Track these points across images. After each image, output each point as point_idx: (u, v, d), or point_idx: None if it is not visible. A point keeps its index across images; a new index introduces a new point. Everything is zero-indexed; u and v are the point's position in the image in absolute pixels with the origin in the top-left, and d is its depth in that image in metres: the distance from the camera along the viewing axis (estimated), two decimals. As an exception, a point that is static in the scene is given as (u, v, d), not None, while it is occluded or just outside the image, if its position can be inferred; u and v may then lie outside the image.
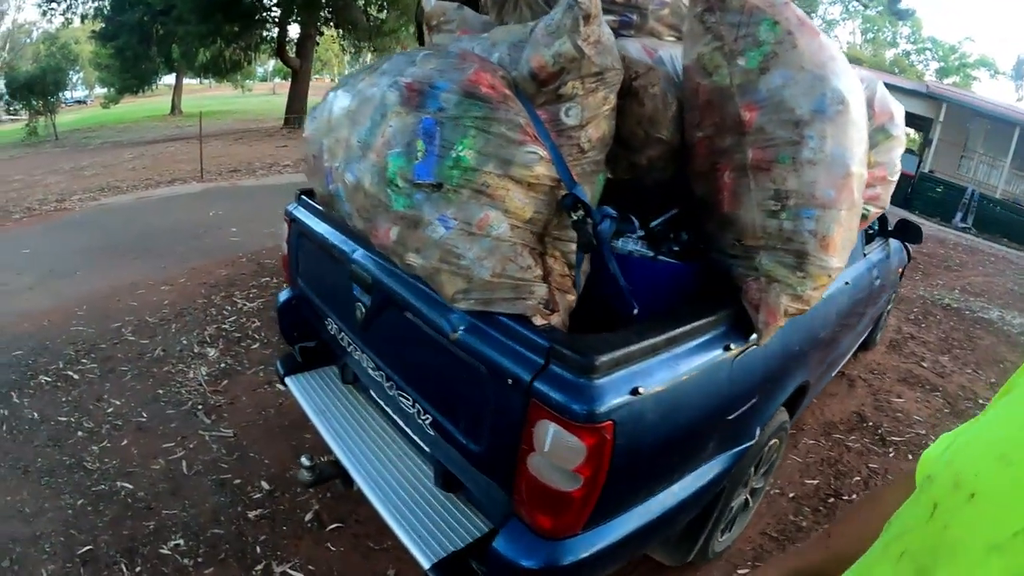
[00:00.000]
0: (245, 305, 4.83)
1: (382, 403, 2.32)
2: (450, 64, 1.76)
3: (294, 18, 17.11)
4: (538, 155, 1.63)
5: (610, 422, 1.41)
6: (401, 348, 2.03)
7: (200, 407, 3.44)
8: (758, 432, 2.14)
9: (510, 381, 1.52)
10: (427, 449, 2.05)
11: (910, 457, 3.52)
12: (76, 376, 3.67)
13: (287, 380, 2.73)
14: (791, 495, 3.07)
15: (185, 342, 4.16)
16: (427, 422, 1.89)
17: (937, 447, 0.66)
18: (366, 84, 1.92)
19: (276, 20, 17.58)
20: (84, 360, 3.85)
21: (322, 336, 2.65)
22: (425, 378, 1.92)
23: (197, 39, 16.18)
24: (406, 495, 2.04)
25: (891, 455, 3.55)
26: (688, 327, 1.68)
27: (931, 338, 5.58)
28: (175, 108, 29.59)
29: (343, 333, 2.36)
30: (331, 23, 17.02)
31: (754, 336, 1.84)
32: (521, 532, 1.61)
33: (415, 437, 2.14)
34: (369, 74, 1.98)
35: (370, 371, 2.22)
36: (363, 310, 2.11)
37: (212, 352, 4.06)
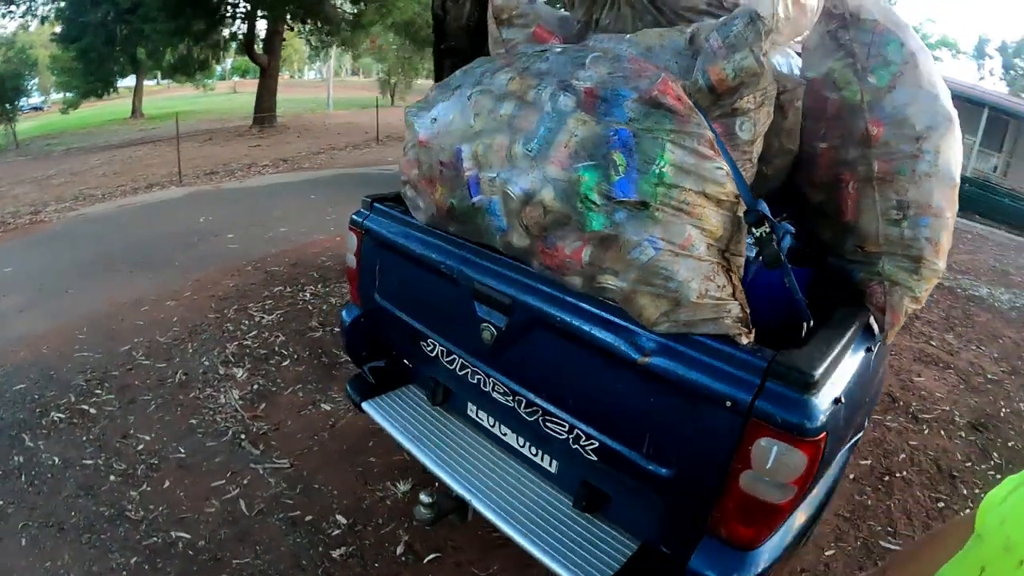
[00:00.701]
0: (263, 318, 4.48)
1: (496, 426, 2.24)
2: (629, 70, 1.70)
3: (263, 14, 16.44)
4: (724, 170, 1.59)
5: (825, 433, 1.44)
6: (552, 372, 1.89)
7: (243, 436, 3.11)
8: (867, 422, 2.26)
9: (728, 403, 1.48)
10: (573, 472, 2.01)
11: (942, 433, 3.68)
12: (93, 410, 3.30)
13: (365, 405, 2.51)
14: (851, 476, 3.14)
15: (207, 363, 3.81)
16: (589, 447, 1.82)
17: (1000, 491, 0.63)
18: (518, 86, 1.81)
19: (245, 16, 16.89)
20: (98, 391, 3.48)
21: (407, 356, 2.50)
22: (589, 403, 1.82)
23: (165, 38, 15.43)
24: (541, 521, 1.97)
25: (926, 432, 3.69)
26: (854, 332, 1.73)
27: (934, 317, 5.69)
28: (136, 111, 28.45)
29: (454, 355, 2.18)
30: (301, 18, 16.36)
31: (879, 335, 1.92)
32: (719, 549, 1.62)
33: (546, 462, 2.10)
34: (512, 74, 1.87)
35: (495, 395, 2.05)
36: (494, 332, 1.95)
37: (240, 373, 3.71)
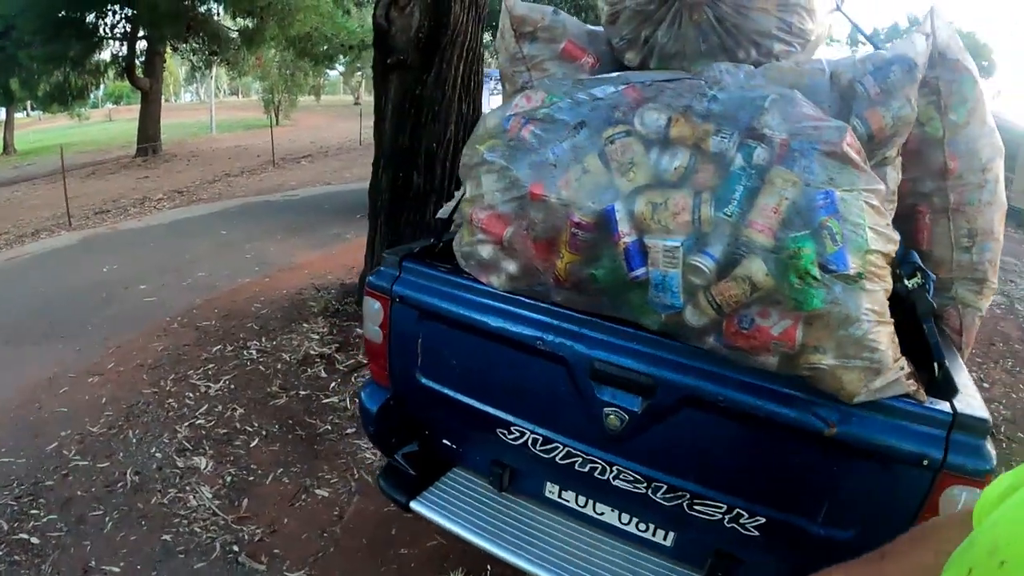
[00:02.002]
0: (210, 388, 3.88)
1: (588, 505, 2.01)
2: (807, 117, 1.54)
3: (144, 33, 15.04)
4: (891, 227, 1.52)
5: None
6: (706, 454, 1.76)
7: (235, 547, 2.61)
8: None
9: (925, 462, 1.48)
10: (698, 543, 1.87)
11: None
12: (35, 539, 2.64)
13: (415, 506, 2.11)
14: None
15: (159, 455, 3.21)
16: (751, 524, 1.71)
17: (994, 488, 0.65)
18: (689, 131, 1.58)
19: (124, 37, 15.40)
20: (34, 510, 2.81)
21: (454, 439, 2.22)
22: (754, 480, 1.72)
23: (41, 64, 13.76)
24: None
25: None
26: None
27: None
28: (8, 147, 25.49)
29: (555, 444, 1.88)
30: (186, 38, 15.06)
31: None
32: None
33: (659, 536, 1.93)
34: (668, 113, 1.64)
35: (617, 483, 1.82)
36: (624, 417, 1.71)
37: (203, 463, 3.15)
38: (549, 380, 1.81)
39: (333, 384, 3.97)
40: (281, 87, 24.82)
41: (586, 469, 1.84)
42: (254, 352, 4.38)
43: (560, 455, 1.87)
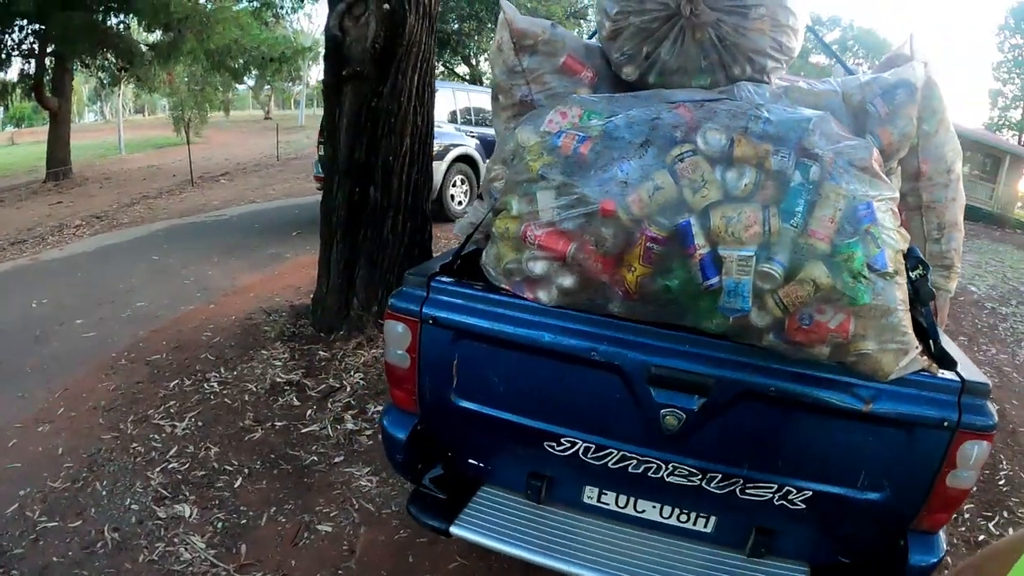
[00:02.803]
0: (176, 428, 3.68)
1: (630, 504, 2.12)
2: (839, 136, 1.78)
3: (53, 49, 13.99)
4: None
5: None
6: (759, 441, 1.92)
7: (245, 598, 2.42)
8: None
9: (945, 423, 1.72)
10: (739, 524, 2.05)
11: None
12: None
13: (455, 530, 2.11)
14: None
15: (136, 507, 3.00)
16: (799, 499, 1.89)
17: None
18: (751, 151, 1.72)
19: (30, 54, 14.30)
20: (6, 585, 2.56)
21: (486, 458, 2.25)
22: (803, 459, 1.91)
23: None
24: None
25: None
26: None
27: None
28: None
29: (608, 450, 1.96)
30: (97, 53, 14.12)
31: None
32: (924, 540, 1.89)
33: (700, 524, 2.09)
34: (728, 134, 1.77)
35: (671, 479, 1.94)
36: (681, 416, 1.83)
37: (187, 511, 2.98)
38: (602, 388, 1.89)
39: (309, 412, 3.84)
40: (191, 103, 23.89)
41: (640, 470, 1.94)
42: (216, 384, 4.17)
43: (613, 460, 1.95)
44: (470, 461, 2.25)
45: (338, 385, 4.14)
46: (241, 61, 14.97)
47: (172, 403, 3.93)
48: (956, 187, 2.35)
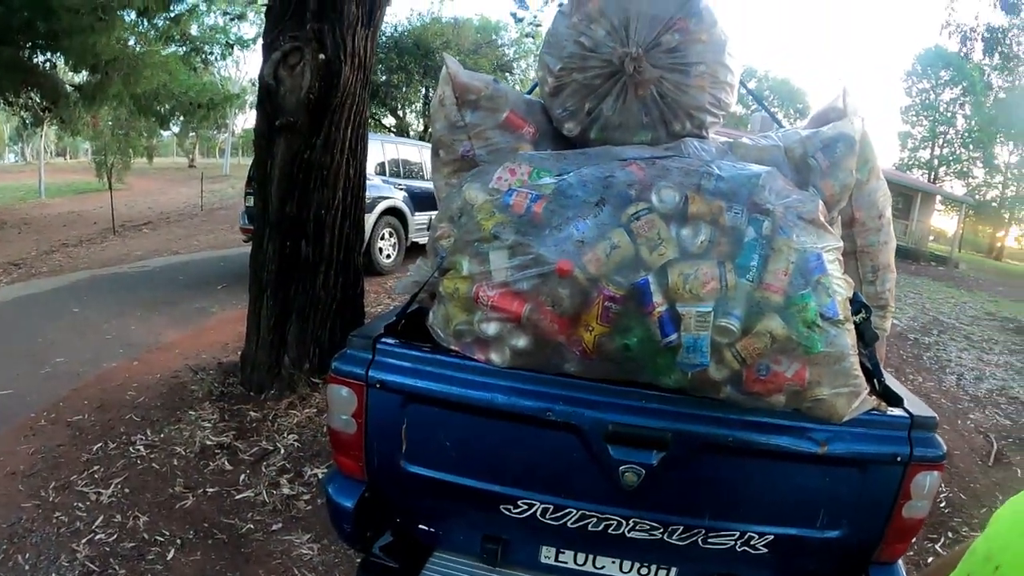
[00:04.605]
0: (101, 495, 3.44)
1: (588, 561, 2.07)
2: (786, 190, 1.86)
3: None
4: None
5: None
6: (717, 491, 1.93)
7: None
8: None
9: (898, 459, 1.80)
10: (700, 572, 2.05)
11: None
12: None
13: None
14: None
15: (59, 583, 2.75)
16: (761, 544, 1.91)
17: (1004, 508, 0.73)
18: (705, 208, 1.77)
19: None
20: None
21: (439, 523, 2.16)
22: (761, 505, 1.93)
23: None
24: None
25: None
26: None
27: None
28: None
29: (567, 510, 1.92)
30: (21, 92, 13.39)
31: None
32: (884, 571, 1.94)
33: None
34: (681, 192, 1.80)
35: (632, 535, 1.91)
36: (640, 472, 1.81)
37: (116, 586, 2.74)
38: (559, 448, 1.87)
39: (243, 477, 3.65)
40: (114, 148, 23.16)
41: (600, 528, 1.91)
42: (142, 448, 3.93)
43: (572, 519, 1.91)
44: (421, 527, 2.16)
45: (271, 447, 3.97)
46: (167, 106, 14.61)
47: (96, 468, 3.68)
48: (887, 231, 2.47)
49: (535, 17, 9.62)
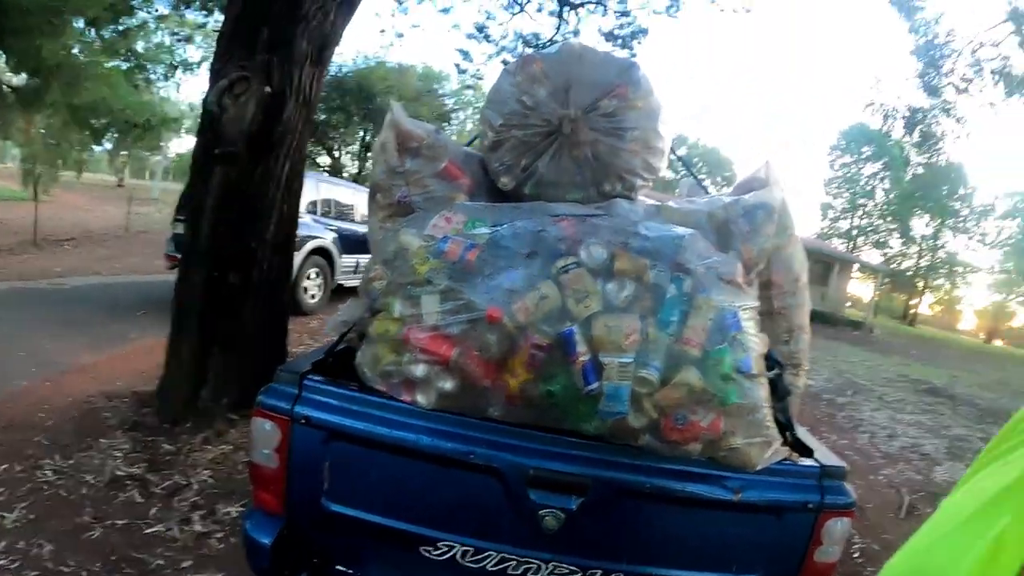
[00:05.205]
0: (4, 519, 3.18)
1: None
2: (707, 251, 1.98)
3: None
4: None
5: None
6: (635, 536, 1.98)
7: None
8: None
9: (810, 505, 1.89)
10: None
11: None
12: None
13: None
14: None
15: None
16: None
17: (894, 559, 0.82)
18: (631, 265, 1.87)
19: None
20: None
21: (355, 564, 2.11)
22: (677, 550, 1.99)
23: None
24: None
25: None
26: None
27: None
28: None
29: (487, 552, 1.93)
30: None
31: None
32: None
33: None
34: (608, 249, 1.91)
35: None
36: (560, 516, 1.85)
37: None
38: (481, 491, 1.89)
39: (154, 511, 3.48)
40: (44, 157, 22.24)
41: (520, 571, 1.92)
42: (50, 473, 3.72)
43: (492, 562, 1.92)
44: (339, 567, 2.12)
45: (185, 482, 3.79)
46: (104, 121, 14.18)
47: (0, 491, 3.48)
48: (803, 294, 2.60)
49: (478, 70, 9.87)
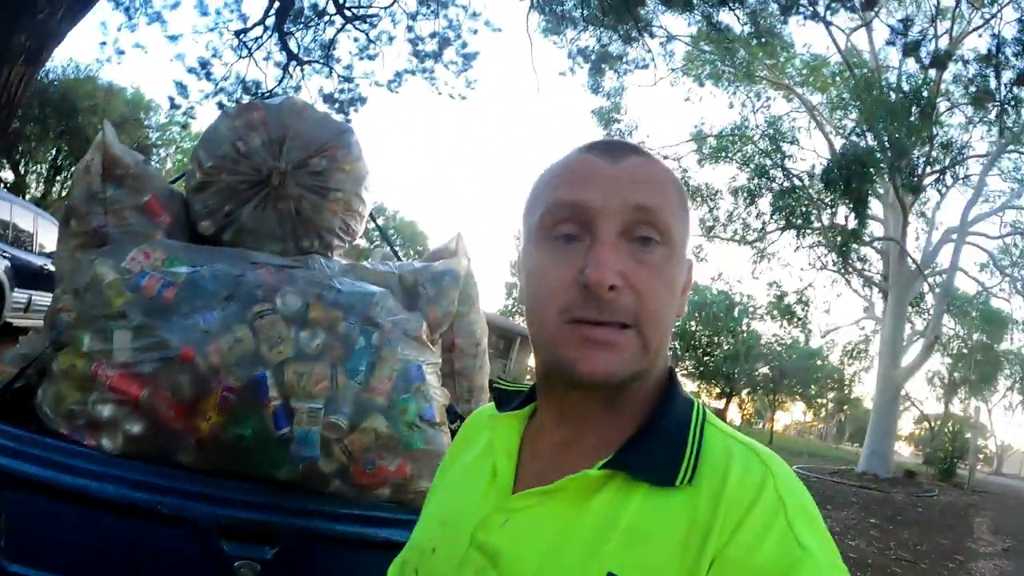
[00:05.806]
0: None
1: None
2: (397, 309, 2.14)
3: None
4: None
5: None
6: None
7: None
8: None
9: None
10: None
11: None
12: None
13: None
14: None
15: None
16: None
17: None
18: (324, 315, 1.94)
19: None
20: None
21: None
22: None
23: None
24: None
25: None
26: None
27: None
28: None
29: None
30: None
31: None
32: None
33: None
34: (304, 299, 1.96)
35: None
36: (256, 567, 1.76)
37: None
38: (174, 543, 1.75)
39: None
40: None
41: None
42: None
43: None
44: None
45: None
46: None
47: None
48: (483, 358, 2.85)
49: (191, 108, 9.30)
